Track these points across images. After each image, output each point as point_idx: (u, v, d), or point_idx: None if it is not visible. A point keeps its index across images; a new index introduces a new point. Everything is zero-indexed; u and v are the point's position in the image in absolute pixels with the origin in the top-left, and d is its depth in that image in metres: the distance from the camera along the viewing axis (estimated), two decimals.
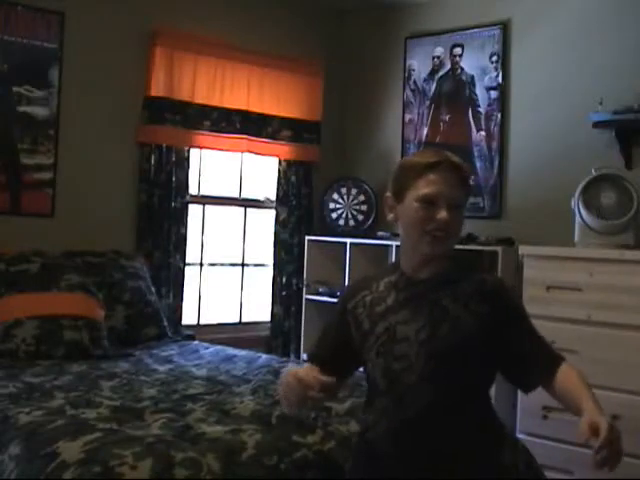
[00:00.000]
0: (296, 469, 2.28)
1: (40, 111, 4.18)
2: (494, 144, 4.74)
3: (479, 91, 4.83)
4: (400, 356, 1.93)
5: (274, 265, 5.20)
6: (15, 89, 4.09)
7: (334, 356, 2.08)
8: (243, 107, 4.92)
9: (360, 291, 2.11)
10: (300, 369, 1.97)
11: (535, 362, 1.95)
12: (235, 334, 5.01)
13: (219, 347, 3.96)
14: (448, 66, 5.00)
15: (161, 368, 3.36)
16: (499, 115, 4.72)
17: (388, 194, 2.05)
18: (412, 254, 2.00)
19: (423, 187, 1.93)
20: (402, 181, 2.00)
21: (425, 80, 5.12)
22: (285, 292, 5.19)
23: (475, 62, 4.85)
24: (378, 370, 1.98)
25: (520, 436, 3.40)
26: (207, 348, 3.90)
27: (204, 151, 4.92)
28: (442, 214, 1.91)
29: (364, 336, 2.01)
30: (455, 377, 1.91)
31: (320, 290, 5.18)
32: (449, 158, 1.97)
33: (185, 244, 4.72)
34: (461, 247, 4.50)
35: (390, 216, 2.05)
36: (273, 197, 5.23)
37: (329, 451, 2.40)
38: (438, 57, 5.04)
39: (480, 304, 1.92)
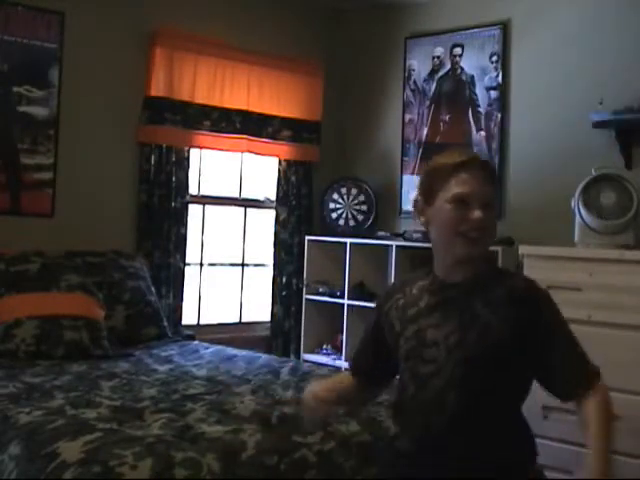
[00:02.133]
0: (296, 469, 2.28)
1: (40, 111, 4.18)
2: (494, 144, 4.74)
3: (479, 91, 4.83)
4: (429, 360, 1.89)
5: (274, 265, 5.20)
6: (15, 89, 4.09)
7: (371, 364, 2.10)
8: (243, 107, 4.92)
9: (394, 294, 2.05)
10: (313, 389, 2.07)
11: (569, 376, 1.87)
12: (235, 334, 5.00)
13: (219, 347, 3.96)
14: (448, 66, 5.00)
15: (161, 368, 3.35)
16: (499, 115, 4.72)
17: (418, 197, 1.98)
18: (445, 257, 1.93)
19: (455, 187, 1.87)
20: (432, 183, 1.93)
21: (425, 80, 5.11)
22: (285, 292, 5.19)
23: (475, 62, 4.85)
24: (407, 374, 1.94)
25: None
26: (207, 348, 3.90)
27: (204, 151, 4.92)
28: (477, 214, 1.85)
29: (396, 339, 1.98)
30: (484, 384, 1.84)
31: (320, 290, 5.18)
32: (477, 156, 1.96)
33: (185, 244, 4.72)
34: None
35: (421, 219, 1.97)
36: (273, 197, 5.23)
37: (329, 451, 2.40)
38: (438, 57, 5.04)
39: (509, 309, 1.85)
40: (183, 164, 4.68)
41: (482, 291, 1.89)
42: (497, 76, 4.74)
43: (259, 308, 5.27)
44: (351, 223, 5.21)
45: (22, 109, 4.12)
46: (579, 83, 4.37)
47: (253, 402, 2.75)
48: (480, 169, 1.90)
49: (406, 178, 5.18)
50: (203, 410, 2.61)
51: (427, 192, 1.94)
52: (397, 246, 4.79)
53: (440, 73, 5.04)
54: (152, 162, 4.53)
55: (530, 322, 1.85)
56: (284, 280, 5.19)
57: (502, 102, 4.71)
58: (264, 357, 3.75)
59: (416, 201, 1.99)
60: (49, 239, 4.13)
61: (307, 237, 5.20)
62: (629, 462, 3.53)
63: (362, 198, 5.20)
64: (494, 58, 4.75)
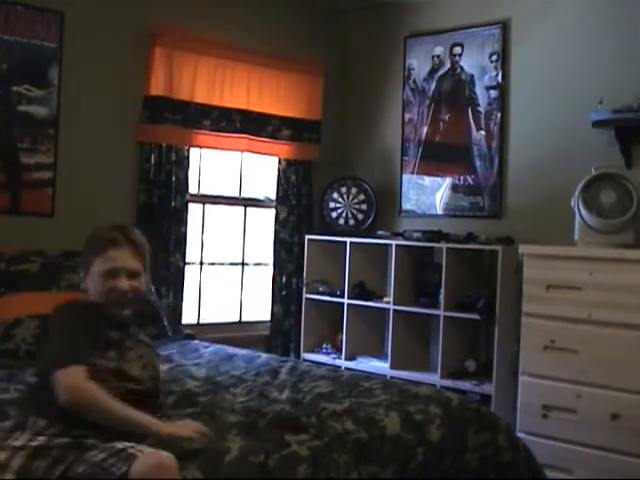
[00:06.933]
0: (286, 464, 2.21)
1: (40, 110, 4.18)
2: (494, 143, 4.74)
3: (479, 90, 4.83)
4: None
5: (274, 264, 5.20)
6: (15, 88, 4.09)
7: None
8: (243, 106, 4.92)
9: None
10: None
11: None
12: (235, 333, 5.01)
13: (219, 346, 3.94)
14: (448, 65, 5.00)
15: (160, 368, 3.34)
16: (499, 114, 4.72)
17: (80, 270, 2.39)
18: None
19: (104, 263, 2.29)
20: (88, 255, 2.34)
21: (425, 79, 5.12)
22: (285, 291, 5.19)
23: (475, 61, 4.85)
24: None
25: (520, 435, 3.40)
26: (207, 347, 3.88)
27: (204, 150, 4.92)
28: (123, 285, 2.29)
29: None
30: None
31: (320, 289, 5.18)
32: (127, 234, 2.35)
33: (185, 243, 4.72)
34: (461, 246, 4.52)
35: (82, 285, 2.38)
36: (273, 196, 5.23)
37: (322, 447, 2.34)
38: (438, 56, 5.04)
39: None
40: (183, 163, 4.68)
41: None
42: (497, 75, 4.74)
43: (259, 307, 5.27)
44: (351, 222, 5.21)
45: (22, 108, 4.12)
46: (579, 83, 4.37)
47: (244, 406, 2.70)
48: (127, 245, 2.32)
49: (406, 177, 5.19)
50: (190, 418, 2.47)
51: (84, 263, 2.35)
52: (397, 245, 4.79)
53: (440, 72, 5.04)
54: (152, 161, 4.53)
55: None
56: (284, 279, 5.19)
57: (502, 101, 4.71)
58: (264, 356, 3.74)
59: (80, 270, 2.41)
60: (49, 239, 4.13)
61: (307, 236, 5.20)
62: (629, 462, 3.53)
63: (362, 197, 5.20)
64: (494, 57, 4.75)
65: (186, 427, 2.23)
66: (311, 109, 5.27)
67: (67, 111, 4.28)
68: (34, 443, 2.02)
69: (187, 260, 4.77)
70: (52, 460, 1.98)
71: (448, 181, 4.97)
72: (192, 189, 4.82)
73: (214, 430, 2.35)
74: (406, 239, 4.80)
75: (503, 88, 4.71)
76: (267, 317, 5.21)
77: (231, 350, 3.83)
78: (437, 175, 5.04)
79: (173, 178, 4.61)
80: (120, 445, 1.99)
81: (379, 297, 4.97)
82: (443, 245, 4.55)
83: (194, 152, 4.82)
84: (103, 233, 2.35)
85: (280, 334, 5.16)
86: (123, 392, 2.20)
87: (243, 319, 5.22)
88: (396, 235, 4.94)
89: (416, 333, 4.88)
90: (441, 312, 4.50)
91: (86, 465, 1.95)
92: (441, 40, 5.02)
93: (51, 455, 1.99)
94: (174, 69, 4.60)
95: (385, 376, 4.44)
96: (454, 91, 4.96)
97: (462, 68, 4.92)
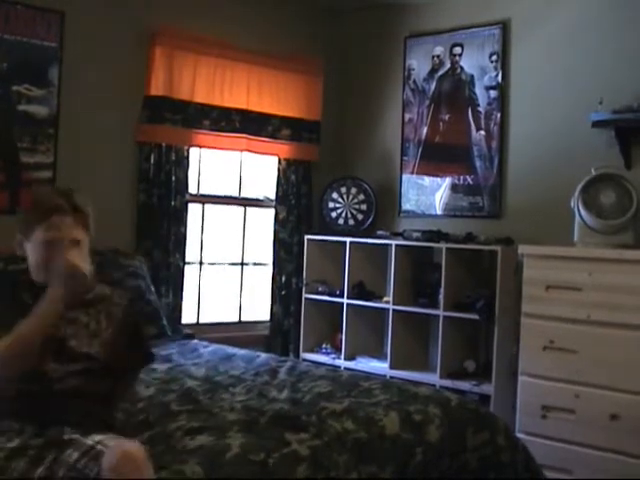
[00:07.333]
0: (286, 464, 2.22)
1: (40, 110, 4.18)
2: (494, 144, 4.74)
3: (479, 90, 4.83)
4: None
5: (273, 264, 5.20)
6: (15, 88, 4.09)
7: None
8: (243, 106, 4.92)
9: None
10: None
11: None
12: (234, 333, 5.01)
13: (218, 346, 3.95)
14: (448, 65, 5.00)
15: (160, 367, 3.35)
16: (499, 115, 4.72)
17: (18, 234, 2.22)
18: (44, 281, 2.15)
19: (46, 231, 2.15)
20: (29, 220, 2.20)
21: (425, 79, 5.12)
22: (284, 291, 5.19)
23: (475, 61, 4.85)
24: None
25: (519, 436, 3.40)
26: (206, 347, 3.89)
27: (204, 150, 4.92)
28: (66, 254, 2.14)
29: None
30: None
31: (319, 289, 5.18)
32: (70, 200, 2.25)
33: (185, 243, 4.72)
34: (460, 247, 4.52)
35: (19, 252, 2.23)
36: (272, 196, 5.23)
37: (322, 446, 2.35)
38: (438, 56, 5.04)
39: None
40: (183, 163, 4.68)
41: None
42: (497, 75, 4.74)
43: (258, 307, 5.27)
44: (350, 222, 5.21)
45: (22, 108, 4.12)
46: (579, 83, 4.37)
47: (245, 403, 2.72)
48: (71, 212, 2.22)
49: (406, 177, 5.19)
50: (190, 415, 2.52)
51: (25, 229, 2.19)
52: (396, 245, 4.79)
53: (440, 72, 5.04)
54: (152, 161, 4.53)
55: None
56: (283, 279, 5.19)
57: (502, 101, 4.71)
58: (263, 356, 3.74)
59: (17, 236, 2.23)
60: None
61: (306, 236, 5.20)
62: (628, 462, 3.53)
63: (362, 197, 5.20)
64: (494, 57, 4.75)
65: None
66: (311, 109, 5.27)
67: (67, 111, 4.27)
68: (11, 445, 2.00)
69: (187, 260, 4.77)
70: (30, 460, 1.96)
71: (448, 181, 4.97)
72: (192, 189, 4.83)
73: (214, 427, 2.36)
74: (406, 239, 4.80)
75: (503, 88, 4.71)
76: (266, 317, 5.21)
77: (230, 350, 3.83)
78: (437, 175, 5.04)
79: (173, 178, 4.61)
80: (91, 441, 1.97)
81: (378, 297, 4.97)
82: (442, 245, 4.55)
83: (194, 152, 4.82)
84: (46, 199, 2.24)
85: (279, 334, 5.16)
86: (75, 375, 2.11)
87: (243, 319, 5.22)
88: (396, 235, 4.94)
89: (415, 333, 4.88)
90: (440, 312, 4.50)
91: (64, 467, 1.94)
92: (441, 40, 5.02)
93: (28, 455, 1.97)
94: (174, 69, 4.60)
95: (384, 376, 4.44)
96: (454, 91, 4.96)
97: (462, 68, 4.93)
